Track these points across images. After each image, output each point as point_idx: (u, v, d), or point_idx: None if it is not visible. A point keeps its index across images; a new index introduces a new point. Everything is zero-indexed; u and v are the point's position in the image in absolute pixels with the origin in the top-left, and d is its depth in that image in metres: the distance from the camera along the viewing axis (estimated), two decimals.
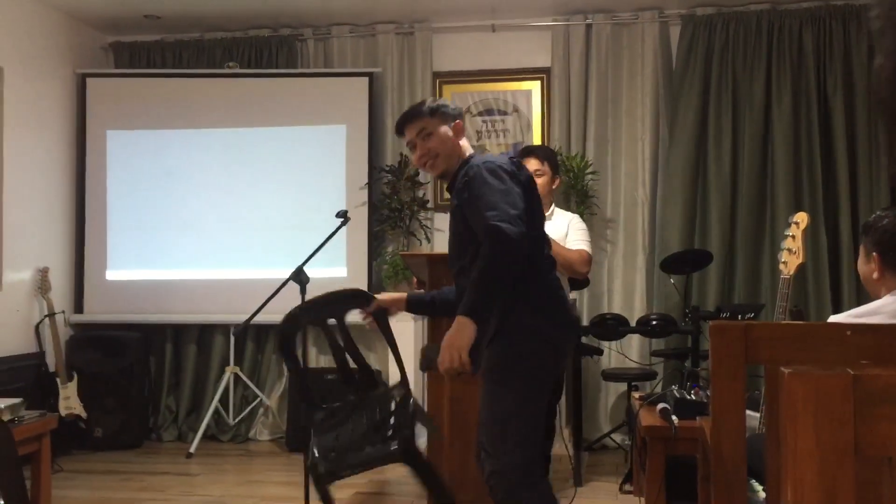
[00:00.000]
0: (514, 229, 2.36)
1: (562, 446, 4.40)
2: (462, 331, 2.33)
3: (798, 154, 5.32)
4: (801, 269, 2.96)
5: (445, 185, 2.80)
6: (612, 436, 5.37)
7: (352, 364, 2.74)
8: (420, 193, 5.73)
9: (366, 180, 5.68)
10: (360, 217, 5.53)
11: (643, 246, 5.55)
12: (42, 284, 5.32)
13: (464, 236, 2.54)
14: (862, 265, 2.41)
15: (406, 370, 2.69)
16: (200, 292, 5.70)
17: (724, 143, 5.42)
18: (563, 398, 5.02)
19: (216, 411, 5.62)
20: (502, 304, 2.43)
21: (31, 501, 3.63)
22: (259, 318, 3.91)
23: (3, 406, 3.67)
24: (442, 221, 5.61)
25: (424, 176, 5.73)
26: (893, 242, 2.27)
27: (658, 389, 4.78)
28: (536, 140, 5.66)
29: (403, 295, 2.82)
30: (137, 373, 5.70)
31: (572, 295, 5.13)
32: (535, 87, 5.77)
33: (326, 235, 3.81)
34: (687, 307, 4.81)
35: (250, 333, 5.74)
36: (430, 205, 5.78)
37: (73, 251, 5.79)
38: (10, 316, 5.18)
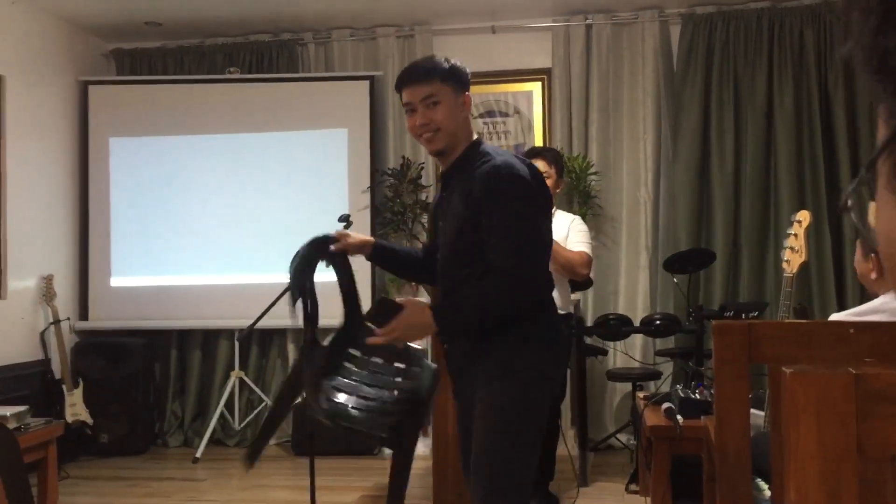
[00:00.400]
0: (534, 286, 2.21)
1: (568, 447, 4.40)
2: (424, 329, 2.20)
3: (800, 151, 5.31)
4: (804, 266, 2.96)
5: (440, 168, 2.47)
6: (618, 436, 5.37)
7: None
8: (423, 196, 5.73)
9: (368, 184, 5.69)
10: (363, 221, 5.53)
11: (646, 246, 5.55)
12: (47, 292, 5.33)
13: (465, 250, 2.25)
14: (860, 262, 2.41)
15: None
16: (204, 298, 5.71)
17: (726, 142, 5.41)
18: (568, 398, 5.03)
19: (222, 416, 5.63)
20: (509, 340, 2.22)
21: None
22: (263, 323, 3.90)
23: (9, 414, 3.68)
24: None
25: (427, 178, 5.74)
26: None
27: (663, 389, 4.77)
28: (538, 141, 5.67)
29: (371, 239, 2.48)
30: (143, 379, 5.70)
31: (575, 296, 5.14)
32: (536, 88, 5.77)
33: None
34: (690, 306, 4.81)
35: (255, 338, 5.75)
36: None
37: (77, 258, 5.80)
38: (16, 324, 5.19)
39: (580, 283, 4.30)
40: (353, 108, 5.72)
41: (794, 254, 2.92)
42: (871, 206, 0.61)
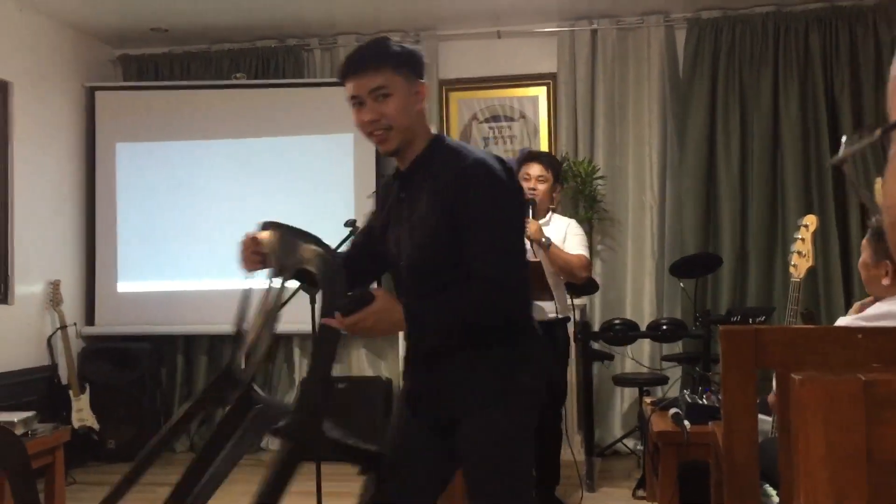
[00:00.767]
0: (517, 297, 2.04)
1: (574, 451, 4.39)
2: (394, 324, 1.95)
3: (807, 156, 5.30)
4: (812, 271, 2.95)
5: (396, 166, 2.15)
6: (625, 441, 5.35)
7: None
8: None
9: (374, 189, 5.68)
10: None
11: (652, 250, 5.54)
12: (53, 297, 5.34)
13: (441, 257, 2.02)
14: (869, 267, 2.39)
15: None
16: (211, 303, 5.71)
17: (732, 146, 5.41)
18: (574, 403, 5.02)
19: None
20: (503, 364, 2.05)
21: None
22: None
23: (16, 419, 3.68)
24: None
25: None
26: None
27: (670, 394, 4.76)
28: (544, 146, 5.66)
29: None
30: (149, 384, 5.71)
31: (581, 301, 5.13)
32: (541, 92, 5.77)
33: (335, 245, 3.82)
34: (697, 311, 4.79)
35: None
36: None
37: (83, 264, 5.81)
38: (23, 329, 5.20)
39: (582, 286, 4.29)
40: None
41: (801, 258, 2.92)
42: (878, 182, 0.61)
